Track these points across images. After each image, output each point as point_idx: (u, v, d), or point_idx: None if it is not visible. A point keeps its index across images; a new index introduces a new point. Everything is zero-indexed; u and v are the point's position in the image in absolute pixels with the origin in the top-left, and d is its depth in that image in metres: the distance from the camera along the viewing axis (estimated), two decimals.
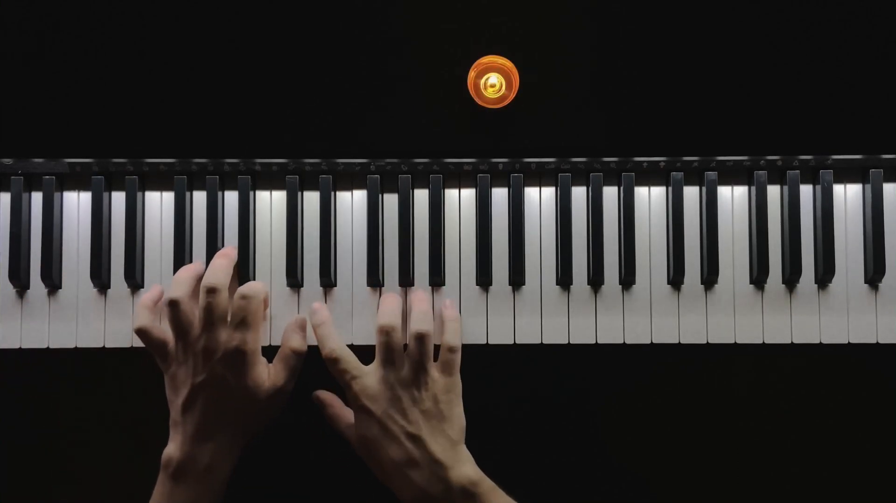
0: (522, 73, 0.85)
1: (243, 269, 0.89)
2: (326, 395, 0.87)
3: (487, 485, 0.80)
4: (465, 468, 0.80)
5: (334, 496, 0.91)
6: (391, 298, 0.86)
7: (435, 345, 0.84)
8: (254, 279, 0.89)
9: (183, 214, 0.89)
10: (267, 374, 0.84)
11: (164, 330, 0.84)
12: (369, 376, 0.82)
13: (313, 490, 0.91)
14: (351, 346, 0.86)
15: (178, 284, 0.84)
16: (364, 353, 0.85)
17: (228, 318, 0.83)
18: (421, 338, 0.82)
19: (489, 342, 0.89)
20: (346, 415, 0.86)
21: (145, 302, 0.86)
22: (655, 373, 0.90)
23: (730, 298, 0.89)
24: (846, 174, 0.90)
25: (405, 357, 0.83)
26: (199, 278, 0.85)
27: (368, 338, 0.87)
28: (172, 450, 0.82)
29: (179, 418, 0.82)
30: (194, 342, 0.82)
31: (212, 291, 0.82)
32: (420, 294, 0.87)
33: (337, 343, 0.84)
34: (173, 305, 0.82)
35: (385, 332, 0.82)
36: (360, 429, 0.82)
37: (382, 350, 0.82)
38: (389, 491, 0.83)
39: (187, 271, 0.85)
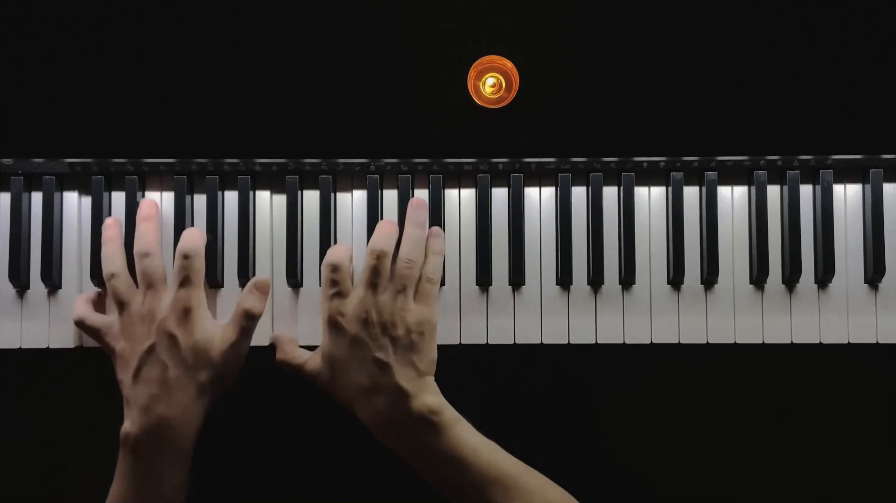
0: (522, 73, 0.85)
1: (243, 269, 0.89)
2: (285, 336, 0.87)
3: (450, 414, 0.80)
4: (427, 397, 0.80)
5: (327, 491, 0.91)
6: (389, 224, 0.85)
7: None
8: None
9: (183, 214, 0.89)
10: (217, 330, 0.84)
11: (100, 315, 0.86)
12: (351, 295, 0.82)
13: (307, 488, 0.91)
14: None
15: (110, 258, 0.85)
16: None
17: (168, 280, 0.84)
18: (409, 263, 0.82)
19: (489, 342, 0.89)
20: (302, 352, 0.85)
21: (84, 296, 0.88)
22: (655, 373, 0.90)
23: (730, 298, 0.89)
24: (846, 174, 0.90)
25: (388, 282, 0.82)
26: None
27: None
28: (128, 425, 0.81)
29: (131, 392, 0.82)
30: (138, 308, 0.83)
31: (144, 256, 0.84)
32: (417, 214, 0.86)
33: (345, 255, 0.84)
34: (112, 278, 0.84)
35: (376, 256, 0.82)
36: (329, 348, 0.82)
37: (370, 272, 0.82)
38: (383, 490, 0.83)
39: (114, 242, 0.86)
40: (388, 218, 0.89)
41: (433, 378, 0.82)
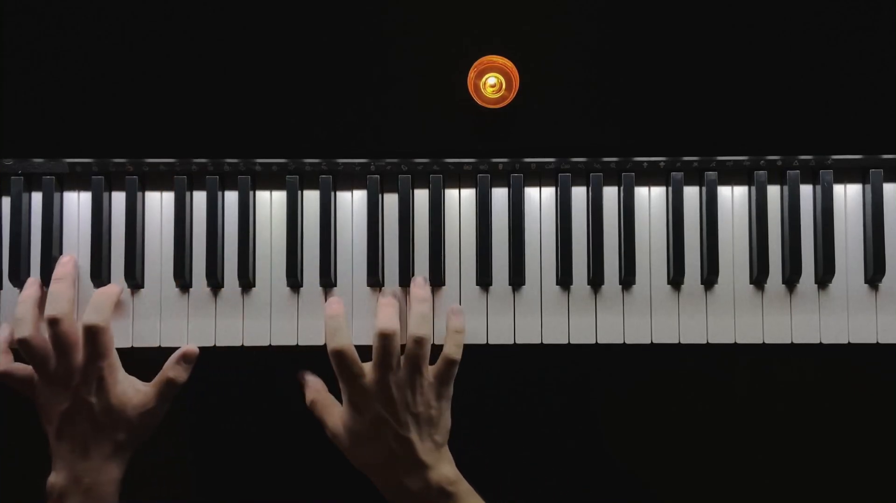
0: (522, 73, 0.85)
1: (243, 269, 0.89)
2: (312, 379, 0.88)
3: (465, 486, 0.83)
4: (444, 468, 0.82)
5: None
6: (390, 303, 0.86)
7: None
8: (253, 279, 0.89)
9: (183, 214, 0.89)
10: (134, 393, 0.84)
11: (25, 367, 0.85)
12: (367, 376, 0.83)
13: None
14: None
15: (22, 321, 0.84)
16: (362, 352, 0.85)
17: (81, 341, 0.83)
18: (419, 341, 0.83)
19: (489, 342, 0.89)
20: (329, 404, 0.86)
21: (1, 346, 0.86)
22: (655, 373, 0.90)
23: (730, 298, 0.89)
24: (846, 174, 0.90)
25: (402, 359, 0.83)
26: (42, 303, 0.85)
27: (368, 338, 0.87)
28: (53, 477, 0.83)
29: (55, 446, 0.84)
30: (53, 372, 0.83)
31: (54, 323, 0.82)
32: (420, 292, 0.87)
33: (346, 340, 0.84)
34: (23, 344, 0.83)
35: (384, 337, 0.82)
36: (350, 424, 0.84)
37: (380, 354, 0.82)
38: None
39: (27, 304, 0.85)
40: (388, 218, 0.89)
41: (447, 448, 0.84)
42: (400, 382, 0.82)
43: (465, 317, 0.87)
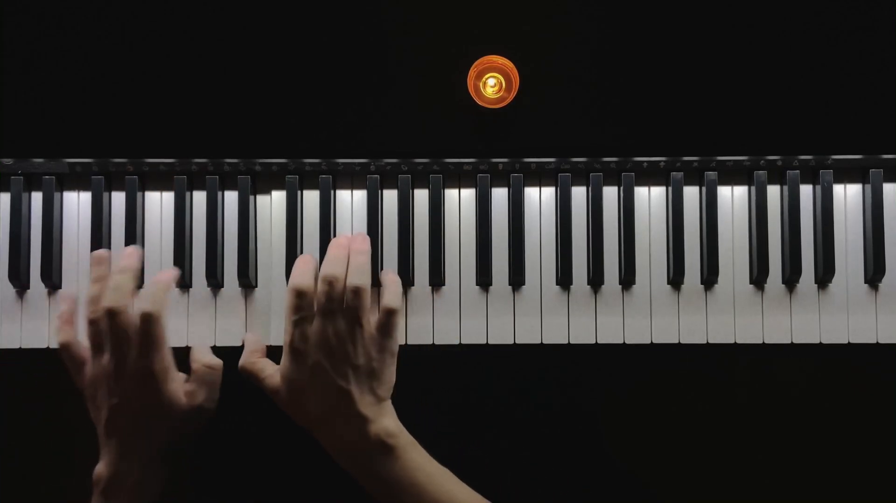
0: (522, 73, 0.85)
1: (243, 269, 0.89)
2: (253, 339, 0.86)
3: (406, 439, 0.80)
4: (385, 421, 0.80)
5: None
6: (338, 249, 0.84)
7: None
8: (253, 279, 0.89)
9: (183, 214, 0.89)
10: (182, 391, 0.83)
11: (86, 348, 0.83)
12: (312, 322, 0.81)
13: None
14: None
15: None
16: None
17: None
18: (357, 291, 0.81)
19: (489, 342, 0.89)
20: (264, 362, 0.84)
21: (64, 316, 0.84)
22: (655, 373, 0.90)
23: (730, 298, 0.89)
24: (846, 174, 0.90)
25: (343, 310, 0.81)
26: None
27: None
28: (101, 467, 0.81)
29: (103, 439, 0.82)
30: (106, 364, 0.81)
31: (113, 314, 0.80)
32: (359, 245, 0.85)
33: (309, 280, 0.82)
34: (93, 324, 0.81)
35: (328, 282, 0.80)
36: (290, 373, 0.81)
37: (324, 299, 0.80)
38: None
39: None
40: (388, 218, 0.89)
41: (391, 402, 0.82)
42: (340, 332, 0.80)
43: (396, 274, 0.86)
